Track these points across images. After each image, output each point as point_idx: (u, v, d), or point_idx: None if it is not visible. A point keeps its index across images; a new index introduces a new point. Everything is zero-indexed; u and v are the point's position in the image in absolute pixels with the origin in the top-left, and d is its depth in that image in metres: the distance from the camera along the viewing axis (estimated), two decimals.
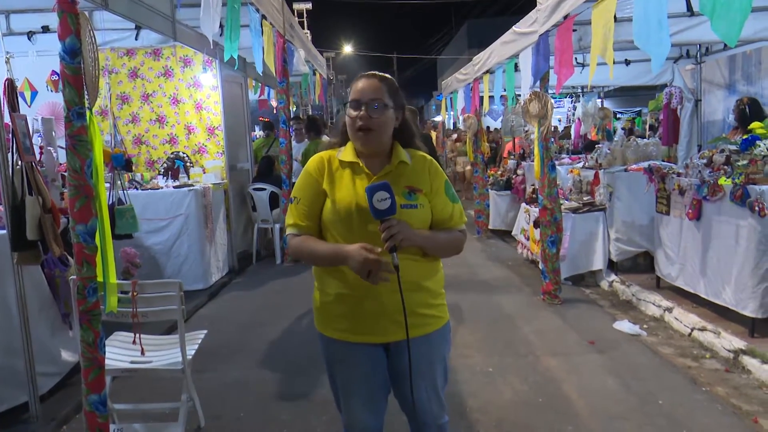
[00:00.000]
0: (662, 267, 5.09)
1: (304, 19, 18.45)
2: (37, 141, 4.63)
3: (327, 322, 1.98)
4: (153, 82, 6.98)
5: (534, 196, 6.48)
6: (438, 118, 20.47)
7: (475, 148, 9.11)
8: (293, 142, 7.46)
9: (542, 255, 5.40)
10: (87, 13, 2.45)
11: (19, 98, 3.73)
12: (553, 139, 6.56)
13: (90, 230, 2.30)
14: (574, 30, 4.99)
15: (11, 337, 3.12)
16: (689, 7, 4.82)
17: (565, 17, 4.57)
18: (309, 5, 18.95)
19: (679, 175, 4.82)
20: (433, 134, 13.89)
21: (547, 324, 4.74)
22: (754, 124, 4.55)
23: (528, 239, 6.62)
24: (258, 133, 10.95)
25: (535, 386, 3.58)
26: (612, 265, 5.90)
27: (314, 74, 10.21)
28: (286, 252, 7.13)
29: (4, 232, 3.10)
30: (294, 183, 2.04)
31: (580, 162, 7.60)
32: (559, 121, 14.36)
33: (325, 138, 7.26)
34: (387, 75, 1.97)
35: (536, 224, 5.92)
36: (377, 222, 1.77)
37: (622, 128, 11.76)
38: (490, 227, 8.79)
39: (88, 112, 2.31)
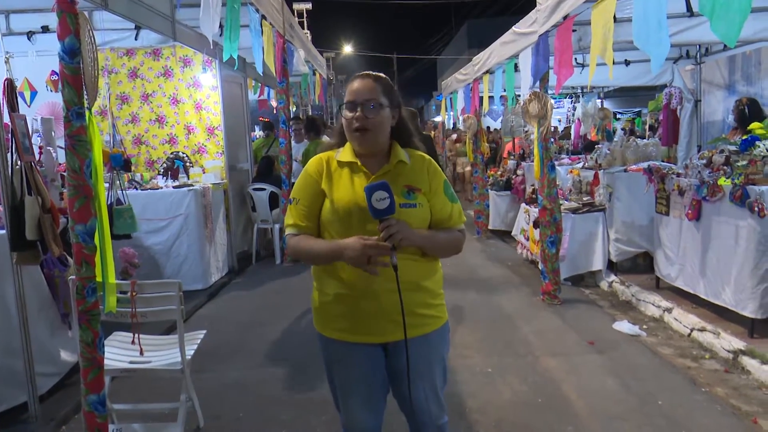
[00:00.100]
0: (662, 267, 5.09)
1: (304, 19, 18.44)
2: (36, 141, 4.64)
3: (326, 322, 1.98)
4: (153, 82, 6.98)
5: (534, 196, 6.48)
6: (438, 119, 20.47)
7: (475, 148, 9.11)
8: (293, 143, 7.46)
9: (542, 255, 5.40)
10: (87, 13, 2.45)
11: (19, 98, 3.73)
12: (552, 140, 6.57)
13: (89, 230, 2.30)
14: (574, 30, 4.99)
15: (10, 337, 3.12)
16: (689, 8, 4.82)
17: (565, 17, 4.57)
18: (309, 5, 18.94)
19: (678, 175, 4.82)
20: (432, 134, 13.88)
21: (546, 324, 4.74)
22: (754, 125, 4.55)
23: (528, 239, 6.62)
24: (258, 133, 10.96)
25: (534, 386, 3.58)
26: (611, 266, 5.90)
27: (314, 74, 10.21)
28: (285, 252, 7.12)
29: (4, 232, 3.10)
30: (294, 183, 2.04)
31: (579, 162, 7.60)
32: (559, 121, 14.37)
33: (325, 138, 7.27)
34: (381, 74, 1.97)
35: (536, 224, 5.92)
36: (376, 221, 1.77)
37: (622, 129, 11.77)
38: (489, 227, 8.79)
39: (87, 112, 2.31)
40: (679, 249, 4.75)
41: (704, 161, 4.57)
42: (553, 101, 5.50)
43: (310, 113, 11.72)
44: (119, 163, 4.56)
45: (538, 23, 4.99)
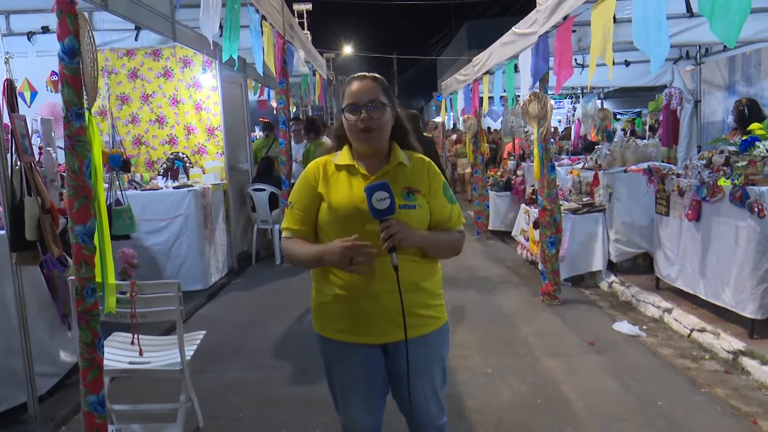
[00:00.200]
0: (662, 268, 5.09)
1: (304, 20, 18.45)
2: (36, 141, 4.64)
3: (325, 322, 1.98)
4: (153, 83, 6.98)
5: (533, 196, 6.48)
6: (438, 119, 20.47)
7: (475, 148, 9.12)
8: (293, 143, 7.46)
9: (542, 256, 5.40)
10: (87, 13, 2.45)
11: (19, 99, 3.73)
12: (552, 140, 6.57)
13: (88, 231, 2.30)
14: (574, 31, 4.99)
15: (10, 338, 3.12)
16: (689, 8, 4.83)
17: (565, 18, 4.57)
18: (309, 6, 18.95)
19: (678, 176, 4.82)
20: (431, 134, 13.87)
21: (546, 325, 4.74)
22: (754, 125, 4.55)
23: (527, 240, 6.62)
24: (258, 133, 10.96)
25: (534, 387, 3.58)
26: (611, 266, 5.90)
27: (314, 75, 10.21)
28: None
29: (3, 232, 3.10)
30: (293, 184, 2.05)
31: (579, 163, 7.60)
32: (559, 122, 14.37)
33: (325, 139, 7.27)
34: (376, 74, 1.98)
35: (536, 225, 5.92)
36: (375, 222, 1.78)
37: (622, 129, 11.77)
38: (489, 228, 8.79)
39: (86, 113, 2.31)
40: (679, 249, 4.75)
41: (704, 162, 4.57)
42: (552, 102, 5.50)
43: (310, 114, 11.73)
44: (118, 163, 4.56)
45: (537, 24, 4.99)
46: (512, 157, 10.04)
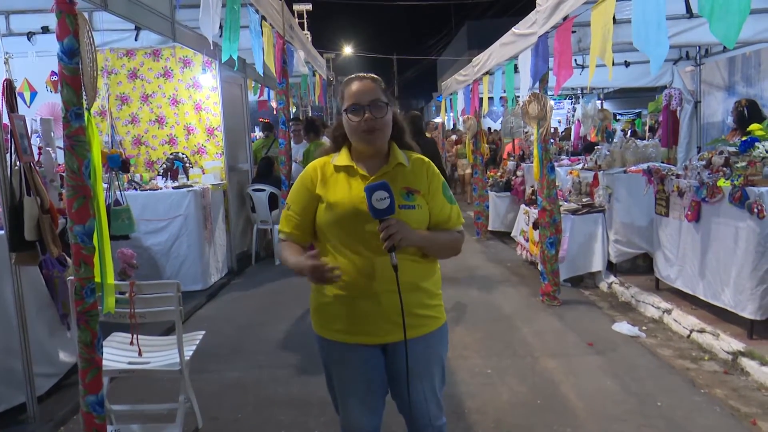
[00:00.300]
0: (661, 269, 5.09)
1: (304, 20, 18.46)
2: (35, 141, 4.64)
3: (324, 323, 1.98)
4: (152, 83, 6.98)
5: (533, 197, 6.48)
6: (438, 120, 20.47)
7: (475, 149, 9.12)
8: (292, 143, 7.46)
9: (541, 256, 5.40)
10: (86, 13, 2.45)
11: (18, 99, 3.73)
12: (552, 141, 6.58)
13: (88, 231, 2.30)
14: (574, 31, 4.99)
15: (9, 338, 3.12)
16: (688, 9, 4.82)
17: (565, 18, 4.57)
18: (309, 6, 18.97)
19: (678, 176, 4.82)
20: (431, 135, 13.88)
21: (545, 325, 4.74)
22: (753, 126, 4.55)
23: (527, 240, 6.62)
24: (257, 134, 10.95)
25: (533, 387, 3.57)
26: (611, 267, 5.90)
27: (314, 75, 10.21)
28: None
29: (3, 232, 3.10)
30: (293, 184, 2.05)
31: (579, 163, 7.60)
32: (559, 122, 14.38)
33: (324, 139, 7.26)
34: (374, 74, 1.98)
35: (535, 225, 5.92)
36: (375, 222, 1.78)
37: (622, 130, 11.77)
38: (489, 228, 8.79)
39: (86, 113, 2.31)
40: (678, 250, 4.75)
41: (704, 162, 4.57)
42: (552, 102, 5.51)
43: (310, 114, 11.73)
44: (116, 163, 4.56)
45: (537, 24, 4.99)
46: (512, 158, 10.04)
